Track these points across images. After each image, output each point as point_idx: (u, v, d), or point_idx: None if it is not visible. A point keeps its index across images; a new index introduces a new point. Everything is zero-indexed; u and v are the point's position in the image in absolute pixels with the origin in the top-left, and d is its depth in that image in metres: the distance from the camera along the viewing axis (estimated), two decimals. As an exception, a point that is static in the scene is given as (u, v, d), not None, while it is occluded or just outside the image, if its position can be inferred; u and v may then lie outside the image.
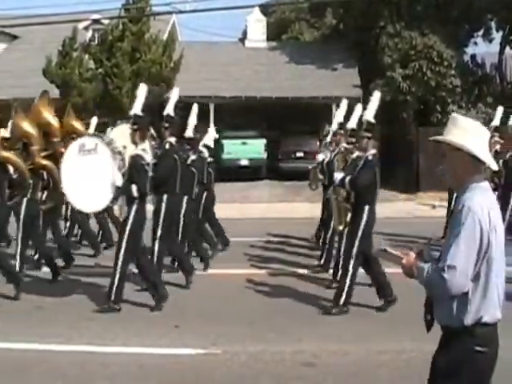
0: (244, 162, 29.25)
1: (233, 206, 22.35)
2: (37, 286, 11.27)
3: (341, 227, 10.48)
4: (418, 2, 30.27)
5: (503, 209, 10.98)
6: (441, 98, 28.52)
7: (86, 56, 29.16)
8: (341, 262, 10.04)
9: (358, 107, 11.85)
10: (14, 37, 36.15)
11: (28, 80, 30.82)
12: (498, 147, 13.44)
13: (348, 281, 9.37)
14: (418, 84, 29.03)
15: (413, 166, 26.98)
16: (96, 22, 32.32)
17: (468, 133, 3.87)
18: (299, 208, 21.66)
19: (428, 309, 3.99)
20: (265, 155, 29.62)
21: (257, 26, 36.56)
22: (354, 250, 9.40)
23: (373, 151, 9.62)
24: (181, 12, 27.48)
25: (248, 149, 29.14)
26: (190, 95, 30.06)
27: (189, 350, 7.92)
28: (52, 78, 28.50)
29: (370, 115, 10.07)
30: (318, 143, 29.59)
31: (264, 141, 29.38)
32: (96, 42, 30.25)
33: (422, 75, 28.98)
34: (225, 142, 29.26)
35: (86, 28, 32.93)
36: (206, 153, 13.66)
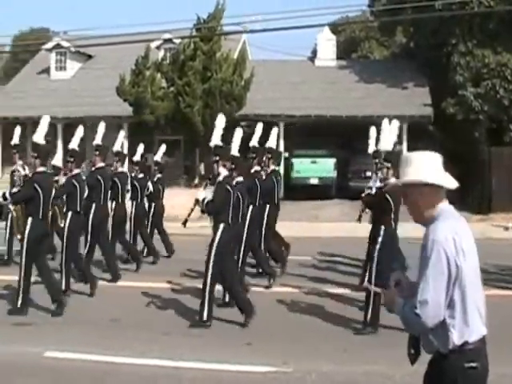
0: (314, 181, 29.19)
1: (301, 224, 22.33)
2: (114, 298, 11.50)
3: (19, 236, 11.04)
4: (491, 20, 29.88)
5: None
6: (514, 118, 28.09)
7: (159, 75, 29.68)
8: None
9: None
10: (89, 56, 37.02)
11: (102, 98, 31.54)
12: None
13: None
14: (491, 103, 28.65)
15: (485, 187, 26.50)
16: (168, 41, 32.83)
17: (419, 166, 3.98)
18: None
19: (411, 343, 4.04)
20: (334, 174, 29.51)
21: (327, 45, 36.60)
22: None
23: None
24: (251, 31, 27.75)
25: (318, 168, 29.10)
26: (259, 113, 30.36)
27: (260, 368, 7.94)
28: (125, 97, 29.11)
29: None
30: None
31: (334, 160, 29.29)
32: (168, 60, 30.70)
33: (494, 94, 28.60)
34: (294, 160, 29.35)
35: (158, 47, 33.45)
36: None
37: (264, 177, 13.42)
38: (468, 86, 29.00)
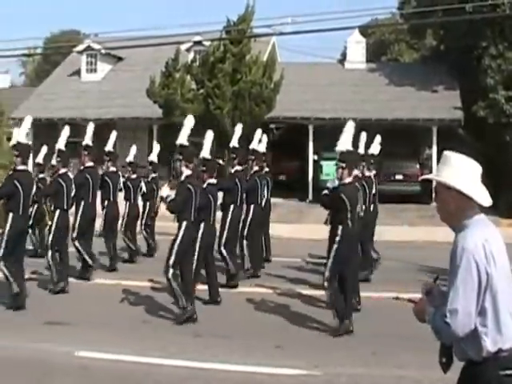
0: (343, 184, 29.03)
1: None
2: (142, 298, 11.58)
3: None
4: (523, 22, 29.63)
5: None
6: (546, 121, 27.76)
7: (188, 77, 29.75)
8: None
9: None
10: (119, 58, 37.22)
11: (132, 100, 31.73)
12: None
13: None
14: (522, 106, 28.37)
15: (516, 191, 26.23)
16: (198, 43, 32.85)
17: (458, 171, 3.92)
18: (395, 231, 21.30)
19: (442, 351, 4.00)
20: (364, 177, 29.31)
21: (356, 48, 36.46)
22: None
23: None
24: (281, 34, 27.69)
25: None
26: (289, 116, 30.39)
27: (290, 371, 7.95)
28: (155, 98, 29.23)
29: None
30: (418, 166, 29.34)
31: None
32: (198, 63, 30.76)
33: (526, 97, 28.33)
34: (323, 163, 29.27)
35: (188, 50, 33.51)
36: None
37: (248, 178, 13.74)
38: (499, 89, 28.74)
